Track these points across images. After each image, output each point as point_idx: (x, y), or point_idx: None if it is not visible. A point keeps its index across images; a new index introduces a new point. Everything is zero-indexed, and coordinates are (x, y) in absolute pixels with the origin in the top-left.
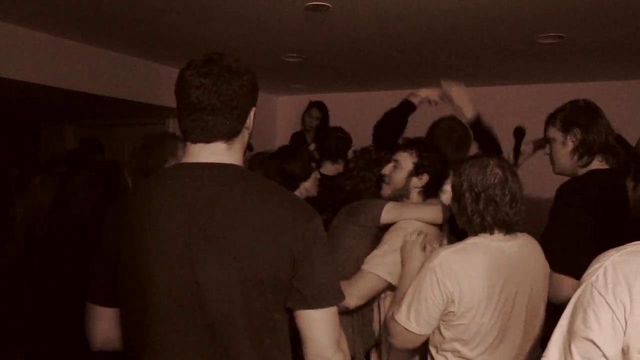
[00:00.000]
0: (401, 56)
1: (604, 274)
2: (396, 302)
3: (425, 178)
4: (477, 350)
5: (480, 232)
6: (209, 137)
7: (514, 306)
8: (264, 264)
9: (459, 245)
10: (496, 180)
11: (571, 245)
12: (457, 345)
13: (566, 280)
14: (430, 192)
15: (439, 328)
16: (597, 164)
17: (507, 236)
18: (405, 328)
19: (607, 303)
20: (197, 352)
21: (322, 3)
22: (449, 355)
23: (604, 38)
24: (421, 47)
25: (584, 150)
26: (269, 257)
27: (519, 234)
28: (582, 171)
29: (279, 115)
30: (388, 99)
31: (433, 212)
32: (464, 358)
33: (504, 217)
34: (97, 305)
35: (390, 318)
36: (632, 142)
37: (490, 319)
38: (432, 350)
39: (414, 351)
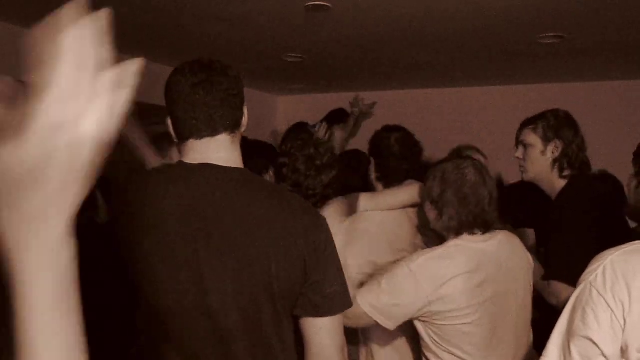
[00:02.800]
0: (401, 56)
1: (603, 273)
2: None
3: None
4: (471, 353)
5: (461, 233)
6: (214, 130)
7: (502, 306)
8: (276, 272)
9: (440, 250)
10: (474, 180)
11: (576, 256)
12: (452, 349)
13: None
14: (384, 171)
15: (429, 333)
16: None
17: (486, 235)
18: (367, 314)
19: (606, 302)
20: (201, 357)
21: (322, 3)
22: (445, 355)
23: (604, 38)
24: (421, 47)
25: (565, 161)
26: (281, 266)
27: (495, 232)
28: (560, 182)
29: (280, 115)
30: (388, 99)
31: (406, 194)
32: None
33: (484, 215)
34: None
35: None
36: (633, 142)
37: (478, 320)
38: (428, 355)
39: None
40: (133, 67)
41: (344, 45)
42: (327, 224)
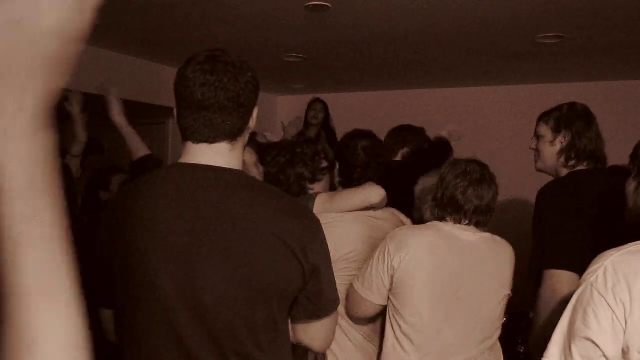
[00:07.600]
0: (401, 56)
1: (604, 273)
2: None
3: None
4: (415, 330)
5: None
6: (213, 137)
7: (458, 296)
8: (272, 274)
9: (417, 226)
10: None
11: (567, 242)
12: (400, 320)
13: (566, 275)
14: (347, 180)
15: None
16: (581, 167)
17: (468, 227)
18: (360, 295)
19: (607, 303)
20: (194, 357)
21: (322, 3)
22: (395, 326)
23: (604, 38)
24: (421, 47)
25: (571, 153)
26: (278, 269)
27: (486, 233)
28: (564, 171)
29: (280, 115)
30: (388, 99)
31: (363, 194)
32: (405, 335)
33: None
34: (110, 310)
35: (350, 287)
36: (632, 143)
37: (428, 300)
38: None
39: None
40: None
41: (344, 45)
42: (321, 227)
